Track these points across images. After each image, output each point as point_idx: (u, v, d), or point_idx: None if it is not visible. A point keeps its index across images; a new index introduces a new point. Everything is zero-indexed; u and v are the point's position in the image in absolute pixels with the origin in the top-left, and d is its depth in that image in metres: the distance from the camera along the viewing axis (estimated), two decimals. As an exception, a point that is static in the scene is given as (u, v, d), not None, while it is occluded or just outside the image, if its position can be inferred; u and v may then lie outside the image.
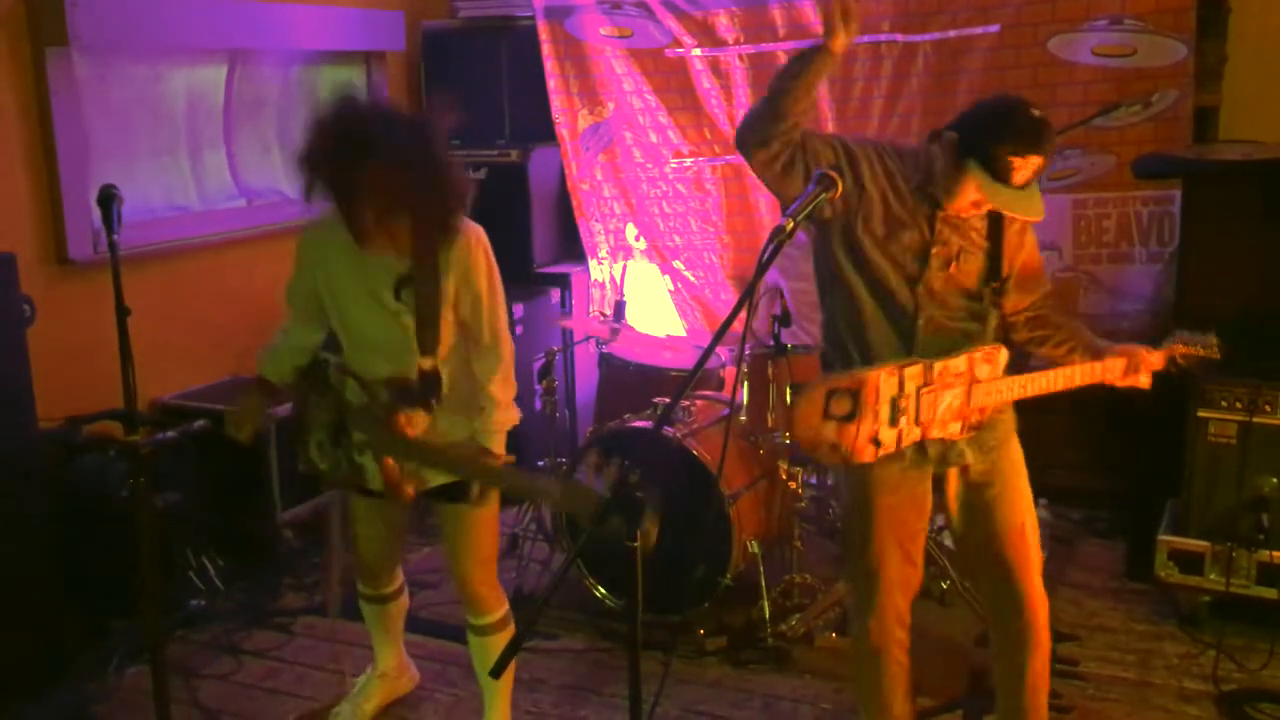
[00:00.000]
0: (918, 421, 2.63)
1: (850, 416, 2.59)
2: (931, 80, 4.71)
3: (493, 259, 2.82)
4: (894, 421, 2.62)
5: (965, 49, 4.63)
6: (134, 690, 3.48)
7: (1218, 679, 3.39)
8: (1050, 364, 2.78)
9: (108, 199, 2.64)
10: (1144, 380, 2.77)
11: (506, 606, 3.06)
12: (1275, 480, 3.52)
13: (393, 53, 5.51)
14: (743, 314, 2.09)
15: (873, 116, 4.83)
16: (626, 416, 3.94)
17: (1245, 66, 4.37)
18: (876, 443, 2.61)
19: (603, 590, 3.86)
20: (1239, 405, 3.54)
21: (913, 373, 2.62)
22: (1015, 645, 2.83)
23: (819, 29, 4.84)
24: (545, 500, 2.47)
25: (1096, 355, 2.76)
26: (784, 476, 3.80)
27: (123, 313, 2.55)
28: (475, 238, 2.78)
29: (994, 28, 4.57)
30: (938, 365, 2.62)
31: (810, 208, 2.21)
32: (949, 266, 2.66)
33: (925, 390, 2.62)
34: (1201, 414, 3.59)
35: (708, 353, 2.12)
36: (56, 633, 3.48)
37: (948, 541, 4.21)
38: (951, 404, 2.64)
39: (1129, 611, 3.86)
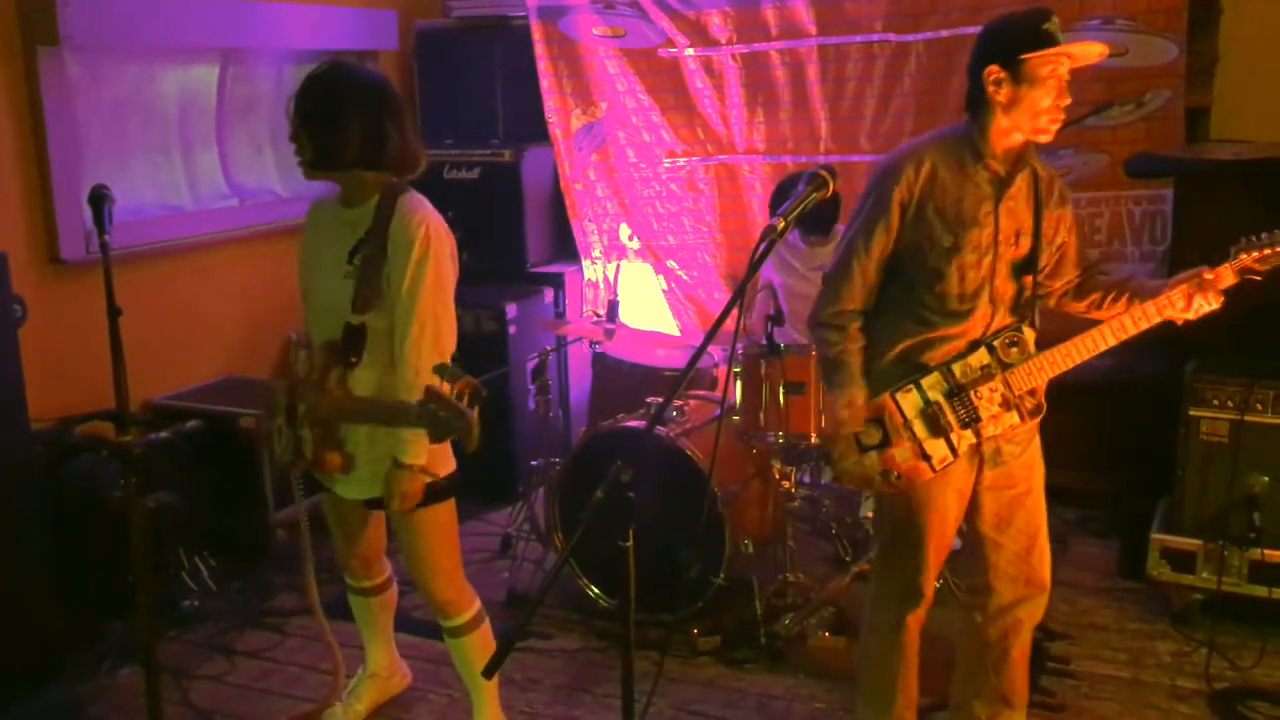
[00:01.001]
0: (965, 425, 2.65)
1: (885, 443, 2.65)
2: (924, 80, 4.71)
3: (440, 246, 2.73)
4: (936, 433, 2.64)
5: (958, 48, 4.63)
6: (127, 691, 3.47)
7: (1210, 677, 3.39)
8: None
9: (99, 199, 2.65)
10: (1214, 303, 2.67)
11: (477, 605, 3.04)
12: (1267, 479, 3.53)
13: (386, 52, 5.50)
14: (734, 312, 2.10)
15: (865, 116, 4.83)
16: (620, 416, 3.94)
17: (1237, 66, 4.38)
18: (925, 457, 2.64)
19: (596, 590, 3.86)
20: (1230, 404, 3.54)
21: (930, 381, 2.65)
22: (1026, 611, 2.86)
23: (811, 29, 4.85)
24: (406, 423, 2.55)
25: (1154, 296, 2.69)
26: (777, 476, 3.80)
27: (114, 313, 2.54)
28: (421, 217, 2.72)
29: (986, 27, 4.57)
30: (957, 368, 2.64)
31: (801, 206, 2.22)
32: (1008, 254, 2.66)
33: (957, 395, 2.64)
34: (1193, 413, 3.60)
35: (699, 352, 2.12)
36: (50, 633, 3.47)
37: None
38: (994, 397, 2.64)
39: (1121, 610, 3.87)
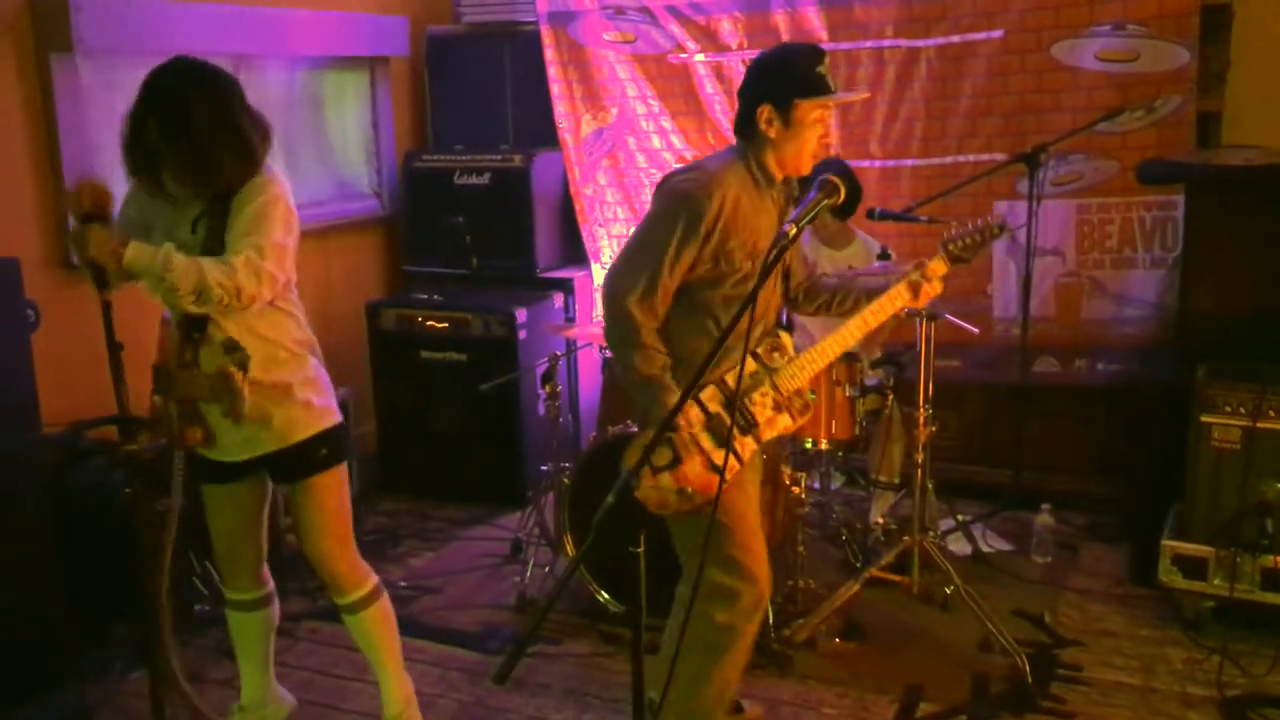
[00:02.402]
0: (745, 432, 2.69)
1: (676, 461, 2.63)
2: (934, 85, 4.71)
3: (285, 199, 2.73)
4: (721, 443, 2.64)
5: (969, 54, 4.64)
6: (135, 695, 3.47)
7: (1222, 684, 3.38)
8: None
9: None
10: (936, 288, 2.88)
11: (373, 580, 3.02)
12: (1279, 485, 3.51)
13: (397, 58, 5.52)
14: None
15: (875, 122, 4.83)
16: (630, 422, 3.94)
17: (1248, 72, 4.37)
18: (715, 469, 2.63)
19: (606, 595, 3.85)
20: (1243, 410, 3.53)
21: (708, 394, 2.66)
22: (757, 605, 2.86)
23: (822, 34, 4.85)
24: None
25: (881, 292, 2.86)
26: (787, 482, 3.80)
27: (115, 349, 2.60)
28: (271, 179, 2.73)
29: (997, 33, 4.57)
30: (729, 378, 2.66)
31: (814, 213, 2.22)
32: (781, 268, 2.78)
33: (733, 404, 2.65)
34: (1205, 419, 3.58)
35: (710, 356, 2.12)
36: (59, 636, 3.48)
37: (952, 546, 4.21)
38: (765, 402, 2.70)
39: (1132, 616, 3.85)
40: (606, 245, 5.49)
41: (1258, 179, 3.74)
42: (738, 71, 5.04)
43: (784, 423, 2.75)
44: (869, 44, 4.78)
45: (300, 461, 2.87)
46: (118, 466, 3.73)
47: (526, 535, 4.33)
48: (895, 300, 2.84)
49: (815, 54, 2.64)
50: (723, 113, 5.12)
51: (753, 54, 5.03)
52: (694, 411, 2.65)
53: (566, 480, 3.97)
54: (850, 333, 2.81)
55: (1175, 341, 4.13)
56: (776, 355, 2.73)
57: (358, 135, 5.53)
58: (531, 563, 4.18)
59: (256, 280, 2.62)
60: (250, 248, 2.63)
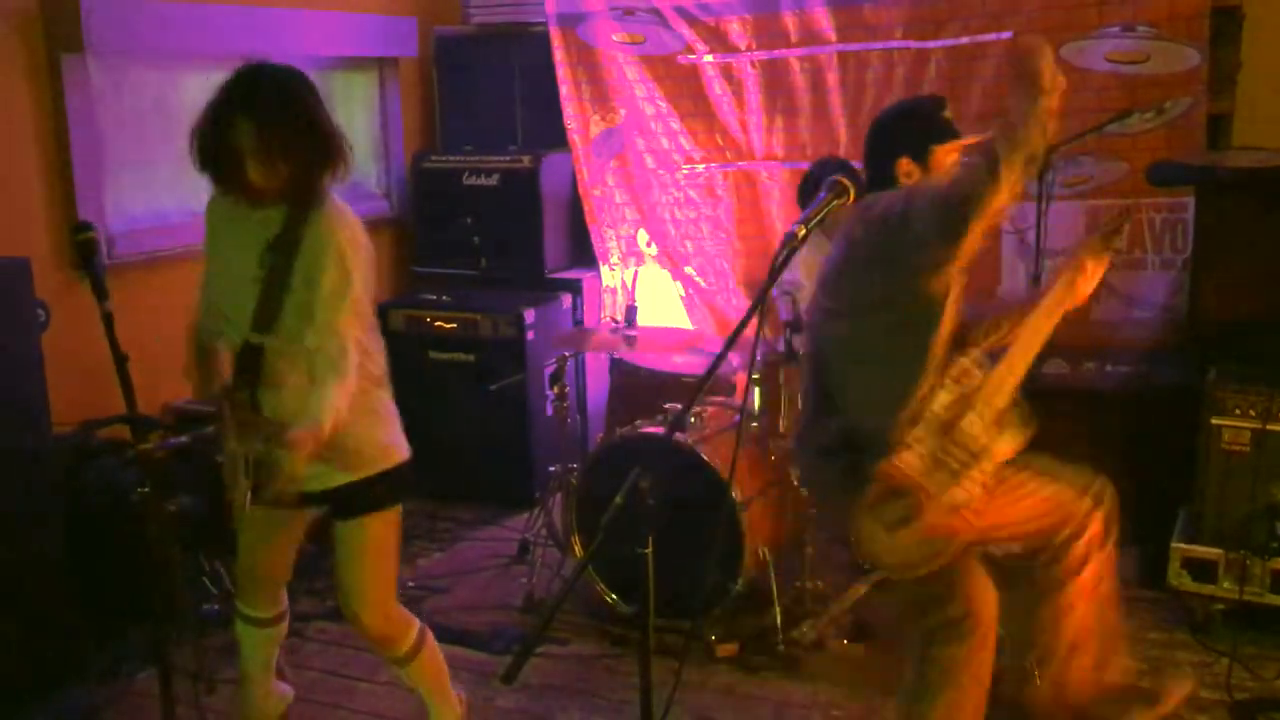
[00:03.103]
0: (974, 458, 2.57)
1: (911, 515, 2.52)
2: (944, 87, 4.69)
3: (358, 246, 2.58)
4: (952, 480, 2.55)
5: (978, 56, 4.63)
6: (145, 694, 3.48)
7: (1231, 688, 3.37)
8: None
9: (87, 244, 2.58)
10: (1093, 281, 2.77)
11: (414, 629, 2.92)
12: (1289, 488, 3.50)
13: (405, 59, 5.53)
14: (754, 320, 2.09)
15: (884, 124, 4.82)
16: (638, 422, 3.94)
17: (1259, 73, 4.35)
18: (956, 508, 2.54)
19: (614, 596, 3.86)
20: (1253, 413, 3.52)
21: (919, 434, 2.56)
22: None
23: (831, 35, 4.85)
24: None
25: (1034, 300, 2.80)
26: (795, 483, 3.80)
27: (121, 359, 2.57)
28: (338, 217, 2.57)
29: (1006, 34, 4.56)
30: (934, 409, 2.56)
31: (823, 214, 2.21)
32: None
33: (948, 435, 2.56)
34: (1215, 421, 3.58)
35: (720, 358, 2.12)
36: (69, 635, 3.49)
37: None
38: (976, 423, 2.58)
39: (1141, 619, 3.84)
40: (615, 246, 5.49)
41: (1268, 180, 3.73)
42: (746, 73, 5.04)
43: (1012, 437, 2.60)
44: (878, 45, 4.78)
45: (349, 500, 2.76)
46: (129, 466, 3.74)
47: (534, 536, 4.34)
48: (1059, 306, 2.72)
49: (940, 102, 2.81)
50: (730, 114, 5.12)
51: (761, 55, 5.10)
52: (910, 456, 2.52)
53: (574, 481, 3.98)
54: (1027, 342, 2.68)
55: (1185, 343, 4.12)
56: (965, 378, 2.59)
57: (366, 136, 5.54)
58: (539, 563, 4.19)
59: (349, 375, 2.54)
60: (335, 335, 2.51)
